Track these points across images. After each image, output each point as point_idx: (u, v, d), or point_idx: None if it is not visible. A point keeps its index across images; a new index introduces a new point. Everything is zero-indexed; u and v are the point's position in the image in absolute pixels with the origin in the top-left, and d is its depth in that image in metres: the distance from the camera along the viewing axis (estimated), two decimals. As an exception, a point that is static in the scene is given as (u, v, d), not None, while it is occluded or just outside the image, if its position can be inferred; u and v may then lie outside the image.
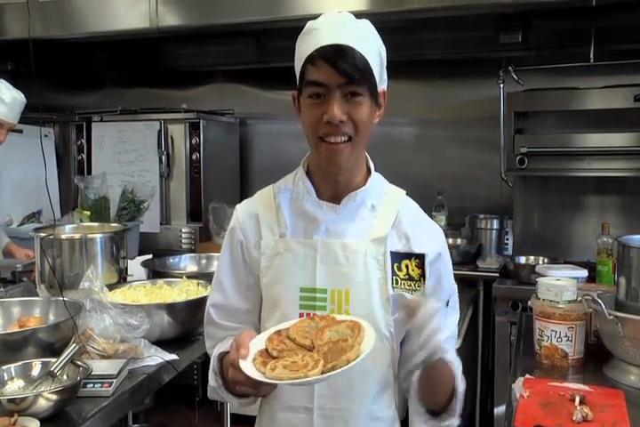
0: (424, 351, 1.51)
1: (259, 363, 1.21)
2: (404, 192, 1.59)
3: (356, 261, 1.46)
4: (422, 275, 1.49)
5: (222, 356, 1.51)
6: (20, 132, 4.32)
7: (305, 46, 1.37)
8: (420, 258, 1.50)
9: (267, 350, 1.26)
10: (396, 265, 1.48)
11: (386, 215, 1.51)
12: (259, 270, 1.51)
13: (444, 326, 1.53)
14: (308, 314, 1.45)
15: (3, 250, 3.55)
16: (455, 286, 1.58)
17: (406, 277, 1.48)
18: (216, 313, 1.58)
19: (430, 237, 1.54)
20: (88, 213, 3.67)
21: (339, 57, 1.30)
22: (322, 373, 1.16)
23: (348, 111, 1.35)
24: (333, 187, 1.48)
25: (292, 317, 1.45)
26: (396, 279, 1.47)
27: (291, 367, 1.18)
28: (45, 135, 4.62)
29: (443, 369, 1.37)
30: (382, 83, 1.44)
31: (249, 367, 1.21)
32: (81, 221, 3.52)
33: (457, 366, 1.50)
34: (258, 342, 1.29)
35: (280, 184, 1.56)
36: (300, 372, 1.16)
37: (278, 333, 1.31)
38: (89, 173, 4.62)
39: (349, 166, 1.45)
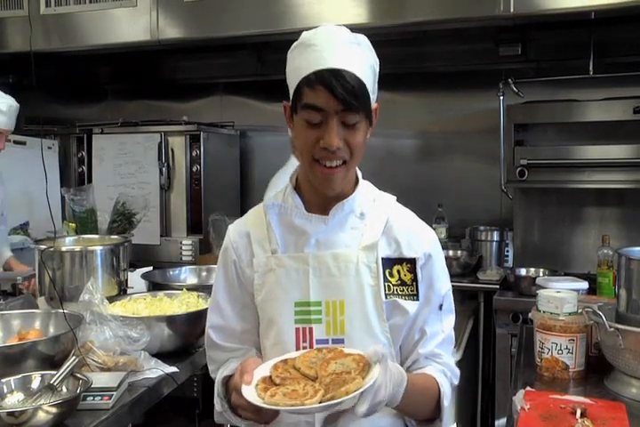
0: (412, 358, 1.53)
1: (260, 389, 1.22)
2: (394, 198, 1.60)
3: (348, 270, 1.46)
4: (414, 279, 1.50)
5: (226, 380, 1.51)
6: (23, 144, 4.33)
7: (300, 62, 1.37)
8: (412, 262, 1.51)
9: (270, 377, 1.26)
10: (387, 271, 1.48)
11: (376, 222, 1.52)
12: (253, 289, 1.51)
13: (438, 331, 1.55)
14: (304, 328, 1.45)
15: (3, 264, 3.56)
16: (449, 287, 1.58)
17: (398, 282, 1.49)
18: (216, 335, 1.58)
19: (421, 240, 1.54)
20: (73, 225, 3.67)
21: (338, 83, 1.30)
22: (320, 402, 1.16)
23: (345, 137, 1.36)
24: (323, 199, 1.49)
25: (288, 332, 1.45)
26: (389, 286, 1.48)
27: (290, 395, 1.18)
28: (49, 147, 4.64)
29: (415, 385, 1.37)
30: (374, 97, 1.44)
31: (250, 393, 1.21)
32: (67, 234, 3.52)
33: (443, 379, 1.51)
34: (263, 369, 1.29)
35: (270, 201, 1.56)
36: (298, 400, 1.16)
37: (284, 361, 1.31)
38: (89, 185, 4.62)
39: (341, 188, 1.46)
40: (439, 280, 1.55)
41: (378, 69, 1.44)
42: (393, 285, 1.48)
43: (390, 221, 1.53)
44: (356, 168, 1.54)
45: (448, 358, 1.57)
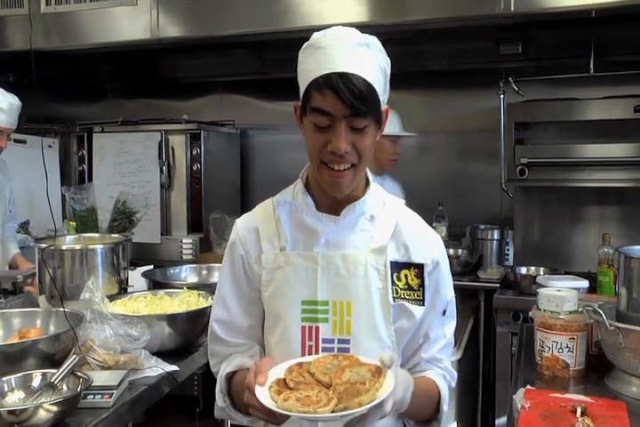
0: (414, 361, 1.54)
1: (274, 391, 1.21)
2: (403, 202, 1.60)
3: (356, 272, 1.46)
4: (421, 284, 1.50)
5: (230, 376, 1.51)
6: (24, 142, 4.33)
7: (309, 64, 1.37)
8: (419, 268, 1.51)
9: (284, 380, 1.26)
10: (395, 275, 1.48)
11: (385, 225, 1.51)
12: (260, 284, 1.51)
13: (441, 336, 1.56)
14: (310, 327, 1.45)
15: (9, 262, 3.55)
16: (453, 293, 1.59)
17: (405, 286, 1.49)
18: (220, 329, 1.57)
19: (429, 246, 1.54)
20: (74, 223, 3.67)
21: (346, 88, 1.29)
22: (332, 412, 1.16)
23: (353, 141, 1.35)
24: (333, 200, 1.48)
25: (294, 330, 1.45)
26: (396, 289, 1.48)
27: (303, 401, 1.18)
28: (50, 146, 4.63)
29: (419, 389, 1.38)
30: (384, 98, 1.43)
31: (263, 394, 1.21)
32: (68, 232, 3.52)
33: (443, 383, 1.53)
34: (277, 371, 1.29)
35: (279, 197, 1.56)
36: (310, 407, 1.16)
37: (299, 364, 1.31)
38: (89, 183, 4.62)
39: (350, 190, 1.45)
40: (445, 286, 1.56)
41: (389, 70, 1.43)
42: (400, 289, 1.48)
43: (399, 225, 1.52)
44: (367, 170, 1.54)
45: (448, 362, 1.59)
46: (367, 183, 1.55)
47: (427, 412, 1.50)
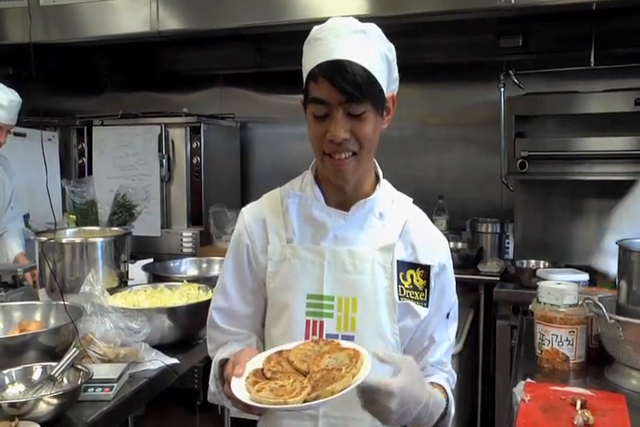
0: (420, 365, 1.53)
1: (250, 382, 1.20)
2: (411, 200, 1.59)
3: (363, 268, 1.46)
4: (426, 286, 1.50)
5: (223, 362, 1.50)
6: (24, 135, 4.32)
7: (308, 58, 1.37)
8: (426, 269, 1.51)
9: (262, 370, 1.25)
10: (401, 274, 1.48)
11: (394, 224, 1.51)
12: (264, 275, 1.50)
13: (445, 339, 1.56)
14: (314, 321, 1.45)
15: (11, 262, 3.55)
16: (456, 297, 1.60)
17: (411, 287, 1.49)
18: (219, 317, 1.57)
19: (436, 248, 1.54)
20: (74, 217, 3.67)
21: (339, 74, 1.28)
22: (305, 401, 1.14)
23: (352, 128, 1.34)
24: (341, 194, 1.48)
25: (298, 323, 1.45)
26: (402, 288, 1.47)
27: (277, 391, 1.16)
28: (49, 139, 4.62)
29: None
30: (392, 85, 1.42)
31: (239, 386, 1.20)
32: (68, 225, 3.51)
33: (448, 387, 1.53)
34: (256, 361, 1.28)
35: (287, 189, 1.55)
36: (281, 398, 1.14)
37: (279, 353, 1.30)
38: (89, 176, 4.61)
39: (356, 179, 1.44)
40: (450, 289, 1.56)
41: (393, 56, 1.41)
42: (405, 288, 1.48)
43: (408, 224, 1.52)
44: (377, 166, 1.53)
45: (450, 364, 1.60)
46: (377, 180, 1.54)
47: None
